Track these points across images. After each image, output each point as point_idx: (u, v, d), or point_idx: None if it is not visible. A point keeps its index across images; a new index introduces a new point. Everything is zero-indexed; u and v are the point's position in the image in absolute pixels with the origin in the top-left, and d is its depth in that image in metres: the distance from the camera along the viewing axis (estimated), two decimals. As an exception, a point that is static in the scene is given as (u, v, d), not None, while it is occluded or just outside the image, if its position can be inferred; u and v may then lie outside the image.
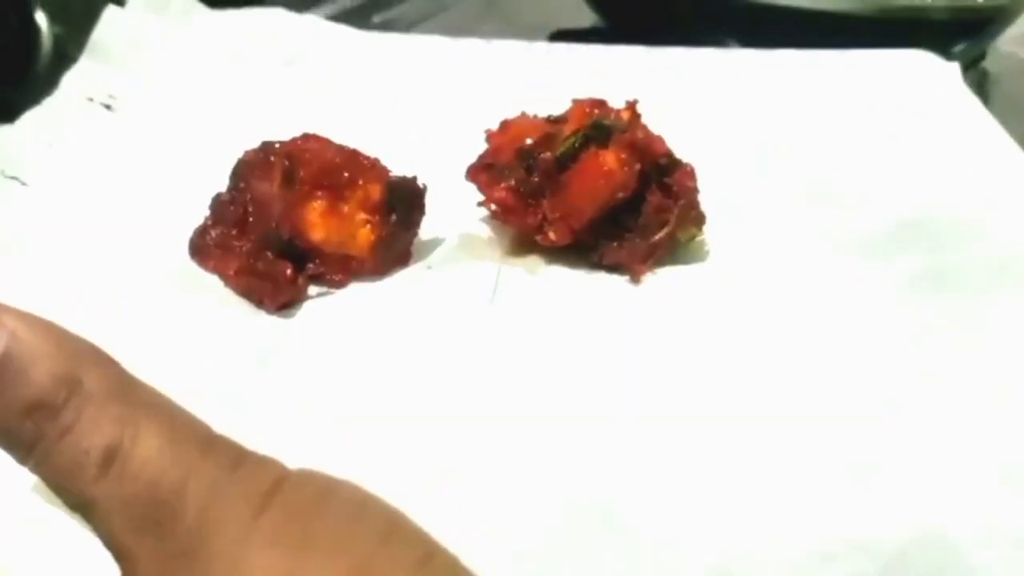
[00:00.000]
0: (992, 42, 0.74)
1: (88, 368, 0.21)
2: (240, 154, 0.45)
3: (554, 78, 0.60)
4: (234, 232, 0.44)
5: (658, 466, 0.34)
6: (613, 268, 0.46)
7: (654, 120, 0.48)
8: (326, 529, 0.20)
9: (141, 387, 0.21)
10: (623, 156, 0.44)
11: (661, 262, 0.46)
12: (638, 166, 0.44)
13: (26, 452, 0.20)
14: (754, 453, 0.35)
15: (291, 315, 0.42)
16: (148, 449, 0.20)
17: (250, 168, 0.44)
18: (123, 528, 0.20)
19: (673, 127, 0.48)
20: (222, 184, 0.45)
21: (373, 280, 0.44)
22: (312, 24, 0.65)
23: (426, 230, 0.46)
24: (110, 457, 0.20)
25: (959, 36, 0.64)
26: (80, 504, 0.20)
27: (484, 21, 0.68)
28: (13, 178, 0.45)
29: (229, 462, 0.20)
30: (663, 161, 0.46)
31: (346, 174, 0.42)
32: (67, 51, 0.60)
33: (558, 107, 0.49)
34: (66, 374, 0.20)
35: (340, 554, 0.19)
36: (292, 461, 0.21)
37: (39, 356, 0.20)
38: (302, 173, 0.42)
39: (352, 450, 0.34)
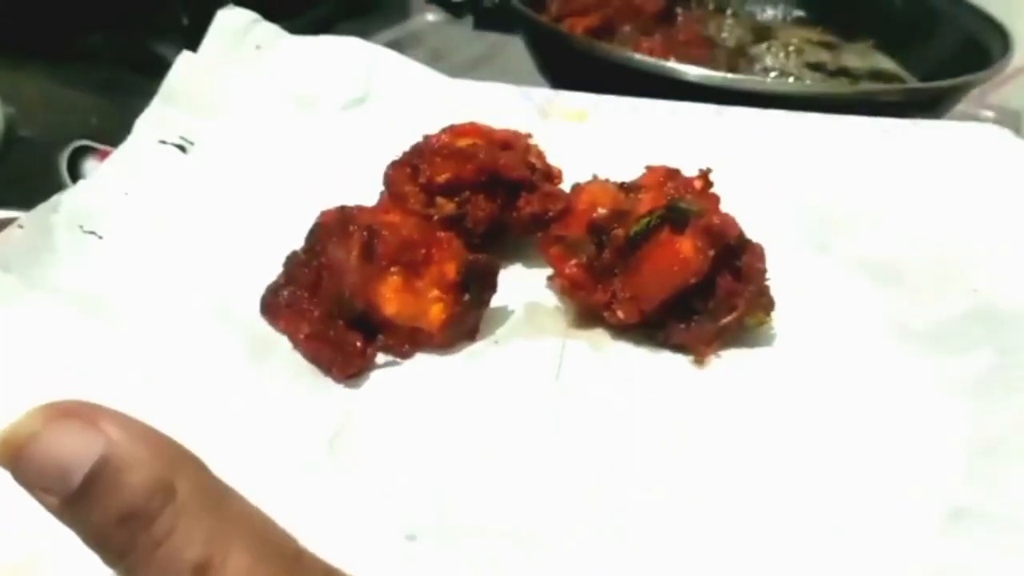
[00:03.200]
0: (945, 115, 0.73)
1: (182, 475, 0.21)
2: (315, 207, 0.45)
3: (622, 136, 0.60)
4: (306, 295, 0.44)
5: (716, 547, 0.35)
6: (678, 348, 0.46)
7: (722, 186, 0.48)
8: None
9: (232, 496, 0.22)
10: (699, 244, 0.43)
11: (726, 344, 0.46)
12: (712, 252, 0.44)
13: (117, 559, 0.21)
14: (807, 546, 0.35)
15: (358, 385, 0.42)
16: (238, 567, 0.20)
17: (327, 233, 0.44)
18: None
19: (740, 195, 0.48)
20: (296, 237, 0.45)
21: (440, 353, 0.44)
22: (383, 57, 0.64)
23: (494, 299, 0.46)
24: (201, 573, 0.20)
25: (912, 114, 0.63)
26: None
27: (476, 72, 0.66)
28: (91, 232, 0.45)
29: None
30: (734, 243, 0.46)
31: (423, 251, 0.42)
32: (19, 131, 0.60)
33: (628, 168, 0.49)
34: (161, 481, 0.20)
35: None
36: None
37: (135, 463, 0.20)
38: (380, 248, 0.42)
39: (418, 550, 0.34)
